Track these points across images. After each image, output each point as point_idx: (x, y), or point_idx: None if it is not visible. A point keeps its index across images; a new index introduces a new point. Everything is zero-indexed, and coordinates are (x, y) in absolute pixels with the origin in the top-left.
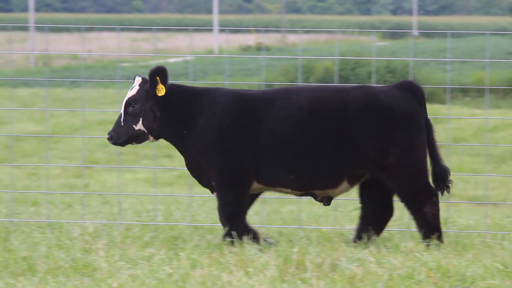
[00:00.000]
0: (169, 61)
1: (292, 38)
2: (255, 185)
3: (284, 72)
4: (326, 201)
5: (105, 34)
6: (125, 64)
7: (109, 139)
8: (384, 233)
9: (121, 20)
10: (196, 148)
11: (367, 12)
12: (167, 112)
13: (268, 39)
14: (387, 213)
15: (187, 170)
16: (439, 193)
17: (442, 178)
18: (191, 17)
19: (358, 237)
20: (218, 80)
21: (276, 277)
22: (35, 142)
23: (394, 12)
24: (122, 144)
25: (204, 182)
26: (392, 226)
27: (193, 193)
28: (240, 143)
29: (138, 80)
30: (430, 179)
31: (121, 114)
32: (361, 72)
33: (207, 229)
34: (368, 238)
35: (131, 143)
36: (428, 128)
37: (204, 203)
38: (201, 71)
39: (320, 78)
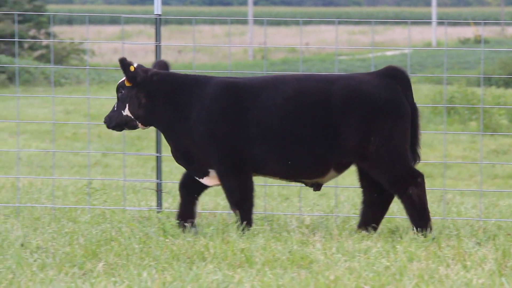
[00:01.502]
0: (387, 54)
1: (511, 30)
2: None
3: (503, 65)
4: (316, 187)
5: (323, 27)
6: (342, 57)
7: (104, 122)
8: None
9: (339, 13)
10: (189, 139)
11: None
12: (153, 99)
13: (487, 31)
14: (388, 195)
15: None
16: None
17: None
18: (409, 10)
19: (363, 223)
20: (435, 73)
21: (495, 270)
22: None
23: None
24: (114, 128)
25: (192, 169)
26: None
27: None
28: (231, 131)
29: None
30: None
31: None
32: None
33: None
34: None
35: (124, 129)
36: (413, 113)
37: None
38: (419, 64)
39: None
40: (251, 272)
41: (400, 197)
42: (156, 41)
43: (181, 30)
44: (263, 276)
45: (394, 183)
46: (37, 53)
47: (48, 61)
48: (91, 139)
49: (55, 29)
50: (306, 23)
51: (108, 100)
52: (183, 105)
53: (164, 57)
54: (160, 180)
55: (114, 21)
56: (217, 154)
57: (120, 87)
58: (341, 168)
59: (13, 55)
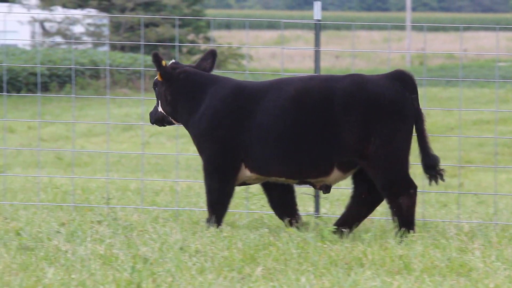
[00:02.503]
0: None
1: None
2: (250, 175)
3: None
4: (325, 189)
5: (481, 34)
6: (501, 64)
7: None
8: None
9: (498, 19)
10: (193, 134)
11: None
12: (176, 97)
13: None
14: (377, 195)
15: None
16: (434, 181)
17: (433, 166)
18: None
19: (342, 220)
20: None
21: None
22: None
23: None
24: (154, 124)
25: None
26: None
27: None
28: (231, 133)
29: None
30: (421, 169)
31: None
32: None
33: None
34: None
35: (164, 125)
36: (418, 117)
37: None
38: None
39: None
40: (409, 279)
41: (389, 203)
42: (315, 46)
43: (338, 35)
44: (421, 283)
45: (387, 187)
46: (195, 58)
47: None
48: None
49: (213, 33)
50: (466, 29)
51: None
52: (197, 104)
53: (321, 62)
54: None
55: (272, 26)
56: (209, 152)
57: (154, 84)
58: (345, 168)
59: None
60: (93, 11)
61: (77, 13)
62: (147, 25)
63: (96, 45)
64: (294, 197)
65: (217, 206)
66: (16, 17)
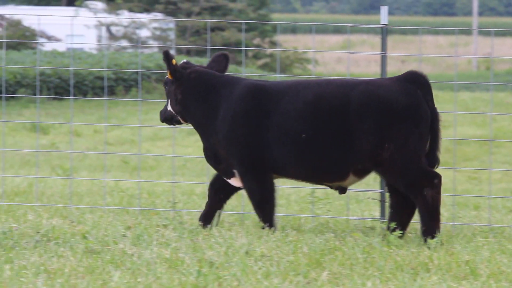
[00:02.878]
0: None
1: None
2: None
3: None
4: (341, 190)
5: None
6: None
7: None
8: None
9: None
10: (215, 139)
11: None
12: (187, 97)
13: None
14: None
15: None
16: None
17: (430, 167)
18: None
19: (390, 228)
20: None
21: None
22: (476, 146)
23: None
24: (163, 122)
25: (221, 169)
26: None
27: None
28: (253, 133)
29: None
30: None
31: None
32: None
33: None
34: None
35: (173, 124)
36: (433, 117)
37: None
38: None
39: None
40: (475, 284)
41: (415, 198)
42: (382, 51)
43: (404, 40)
44: None
45: (409, 187)
46: (260, 62)
47: (271, 69)
48: None
49: (279, 38)
50: None
51: None
52: (212, 105)
53: (387, 67)
54: (384, 190)
55: (337, 30)
56: (237, 155)
57: (164, 83)
58: (361, 173)
59: (237, 63)
60: (159, 15)
61: (143, 17)
62: (213, 29)
63: (162, 49)
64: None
65: (264, 205)
66: (82, 21)
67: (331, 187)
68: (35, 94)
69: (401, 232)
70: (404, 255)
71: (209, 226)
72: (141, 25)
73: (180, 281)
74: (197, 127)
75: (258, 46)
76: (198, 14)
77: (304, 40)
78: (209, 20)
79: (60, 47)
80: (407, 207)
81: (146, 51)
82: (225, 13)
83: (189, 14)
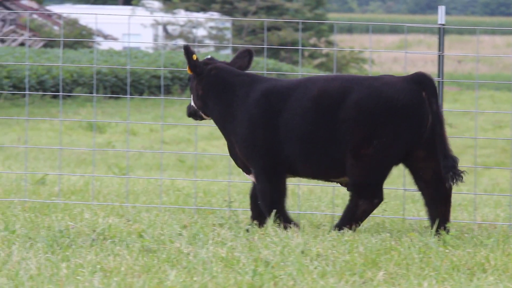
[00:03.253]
0: None
1: None
2: None
3: None
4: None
5: None
6: None
7: None
8: None
9: None
10: (232, 137)
11: None
12: (207, 93)
13: None
14: (445, 189)
15: None
16: (452, 183)
17: (452, 167)
18: None
19: (433, 224)
20: None
21: None
22: None
23: None
24: (189, 117)
25: (239, 164)
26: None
27: None
28: (266, 134)
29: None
30: (441, 171)
31: None
32: None
33: None
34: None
35: (197, 119)
36: (436, 120)
37: None
38: None
39: None
40: None
41: (350, 199)
42: (439, 50)
43: (461, 40)
44: None
45: (357, 184)
46: (316, 61)
47: (327, 69)
48: None
49: (335, 37)
50: None
51: None
52: (229, 104)
53: (444, 67)
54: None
55: (394, 30)
56: (253, 157)
57: (188, 79)
58: None
59: (294, 63)
60: (215, 15)
61: (199, 16)
62: (269, 29)
63: (218, 48)
64: None
65: (275, 207)
66: (139, 20)
67: (341, 184)
68: (91, 93)
69: (445, 226)
70: (460, 255)
71: (265, 225)
72: (197, 24)
73: (236, 280)
74: (217, 124)
75: (314, 45)
76: (255, 13)
77: (360, 40)
78: (266, 20)
79: (117, 46)
80: (441, 198)
81: (202, 50)
82: (282, 13)
83: (245, 14)
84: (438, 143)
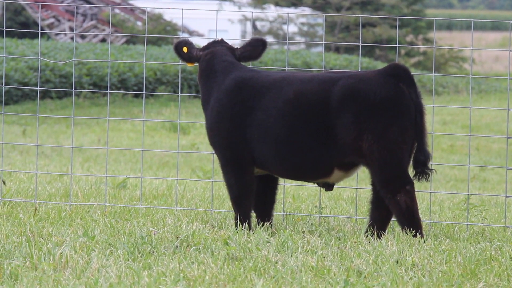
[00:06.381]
0: None
1: None
2: (257, 170)
3: None
4: (327, 187)
5: None
6: None
7: None
8: None
9: None
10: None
11: None
12: (199, 77)
13: None
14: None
15: None
16: (416, 178)
17: (423, 162)
18: None
19: (371, 224)
20: None
21: None
22: None
23: None
24: None
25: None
26: None
27: None
28: (235, 128)
29: None
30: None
31: None
32: None
33: None
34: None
35: None
36: (417, 111)
37: None
38: None
39: None
40: None
41: (387, 202)
42: None
43: None
44: None
45: (384, 184)
46: (413, 60)
47: (424, 68)
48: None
49: (433, 34)
50: None
51: (487, 111)
52: (208, 91)
53: None
54: None
55: (496, 27)
56: (218, 146)
57: None
58: (347, 167)
59: (389, 61)
60: (307, 10)
61: (290, 11)
62: (363, 25)
63: (309, 45)
64: (274, 198)
65: (240, 201)
66: (226, 16)
67: (318, 184)
68: (175, 92)
69: (380, 231)
70: None
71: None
72: (288, 20)
73: None
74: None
75: (411, 43)
76: (348, 9)
77: (459, 37)
78: (361, 16)
79: (203, 43)
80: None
81: (293, 47)
82: (377, 8)
83: (338, 9)
84: (417, 134)
